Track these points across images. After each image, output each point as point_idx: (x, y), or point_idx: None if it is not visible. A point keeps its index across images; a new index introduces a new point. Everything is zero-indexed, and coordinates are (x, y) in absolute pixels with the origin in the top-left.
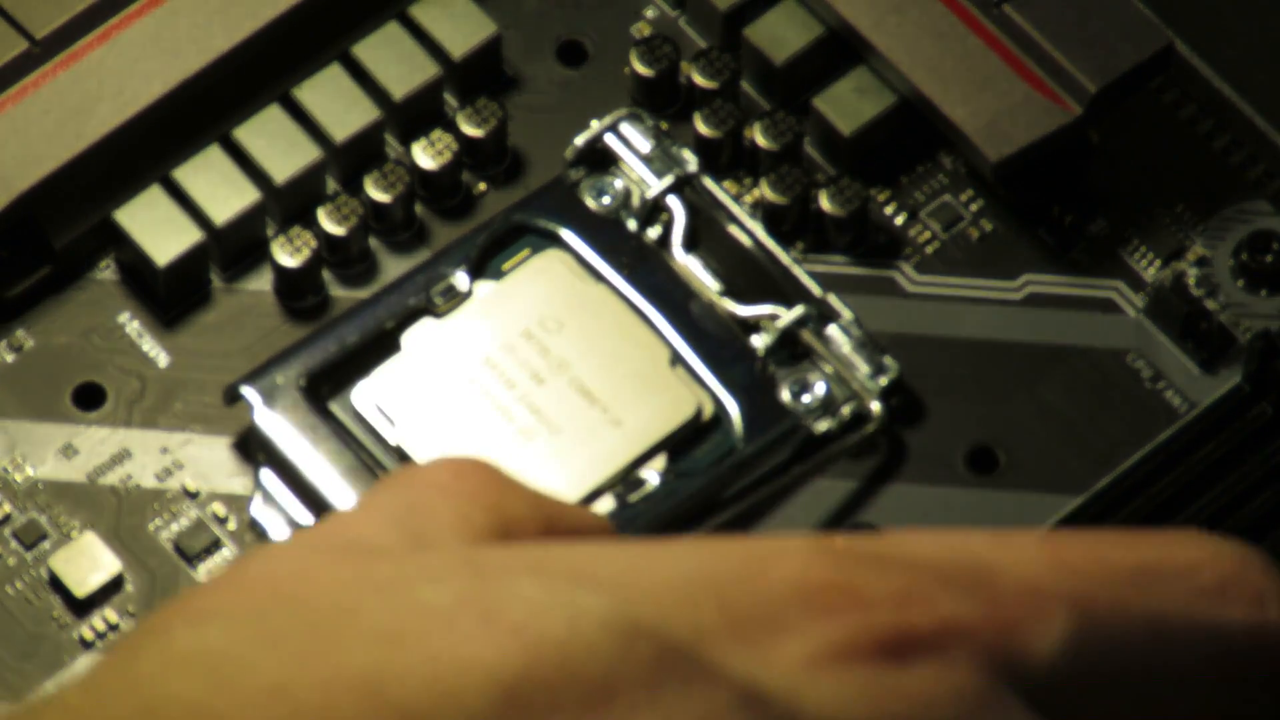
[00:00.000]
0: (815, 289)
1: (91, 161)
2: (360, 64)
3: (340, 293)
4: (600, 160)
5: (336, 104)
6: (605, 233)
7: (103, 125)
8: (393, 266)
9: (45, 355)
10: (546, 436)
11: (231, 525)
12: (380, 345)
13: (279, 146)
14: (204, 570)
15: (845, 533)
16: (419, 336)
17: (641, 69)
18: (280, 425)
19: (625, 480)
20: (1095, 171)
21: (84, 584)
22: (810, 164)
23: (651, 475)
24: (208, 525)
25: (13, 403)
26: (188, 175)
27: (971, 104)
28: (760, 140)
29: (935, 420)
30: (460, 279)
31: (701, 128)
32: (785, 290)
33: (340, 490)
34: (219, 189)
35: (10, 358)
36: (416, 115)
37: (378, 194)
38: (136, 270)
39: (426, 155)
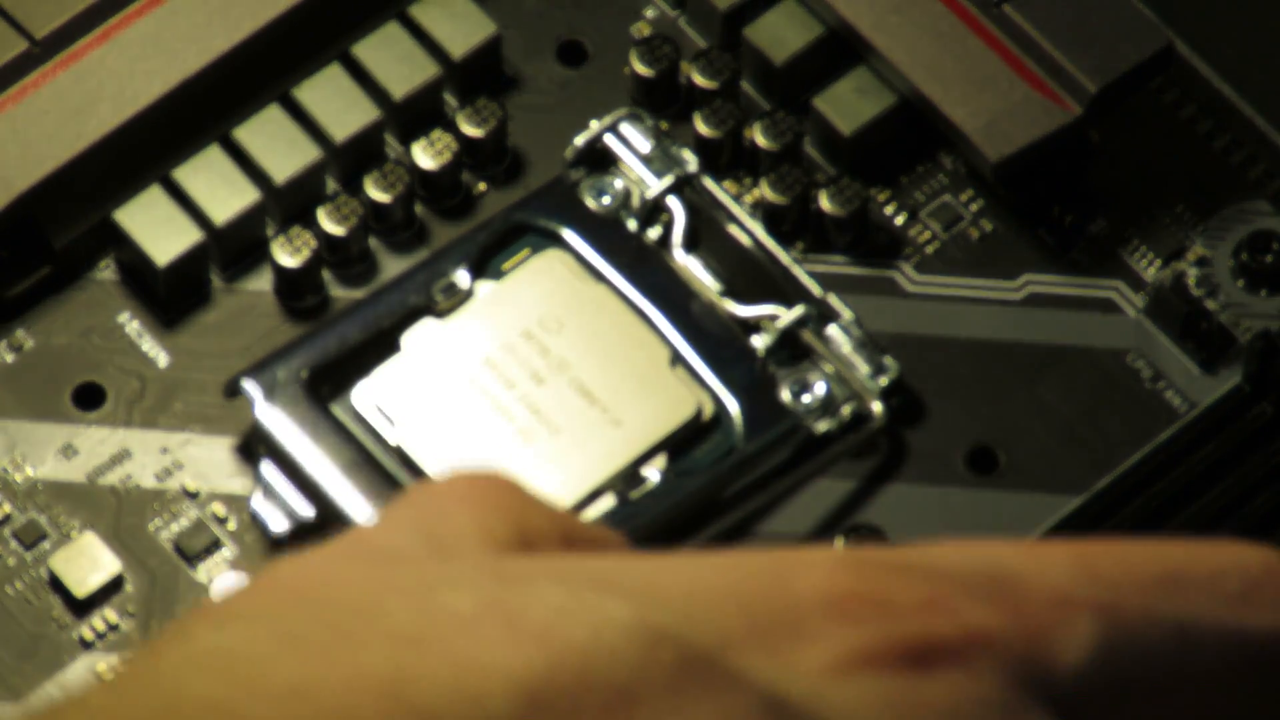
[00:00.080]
0: (815, 289)
1: (91, 161)
2: (360, 64)
3: (340, 293)
4: (600, 160)
5: (336, 104)
6: (605, 233)
7: (103, 125)
8: (393, 266)
9: (45, 355)
10: (546, 436)
11: (231, 525)
12: (380, 345)
13: (279, 146)
14: (204, 570)
15: (847, 534)
16: (419, 337)
17: (641, 69)
18: (280, 419)
19: (626, 479)
20: (1095, 171)
21: (84, 584)
22: (810, 164)
23: (652, 475)
24: (208, 525)
25: (13, 403)
26: (188, 175)
27: (971, 104)
28: (760, 140)
29: (935, 420)
30: (461, 277)
31: (701, 128)
32: (785, 290)
33: (340, 484)
34: (219, 189)
35: (10, 358)
36: (416, 115)
37: (378, 194)
38: (136, 270)
39: (426, 155)
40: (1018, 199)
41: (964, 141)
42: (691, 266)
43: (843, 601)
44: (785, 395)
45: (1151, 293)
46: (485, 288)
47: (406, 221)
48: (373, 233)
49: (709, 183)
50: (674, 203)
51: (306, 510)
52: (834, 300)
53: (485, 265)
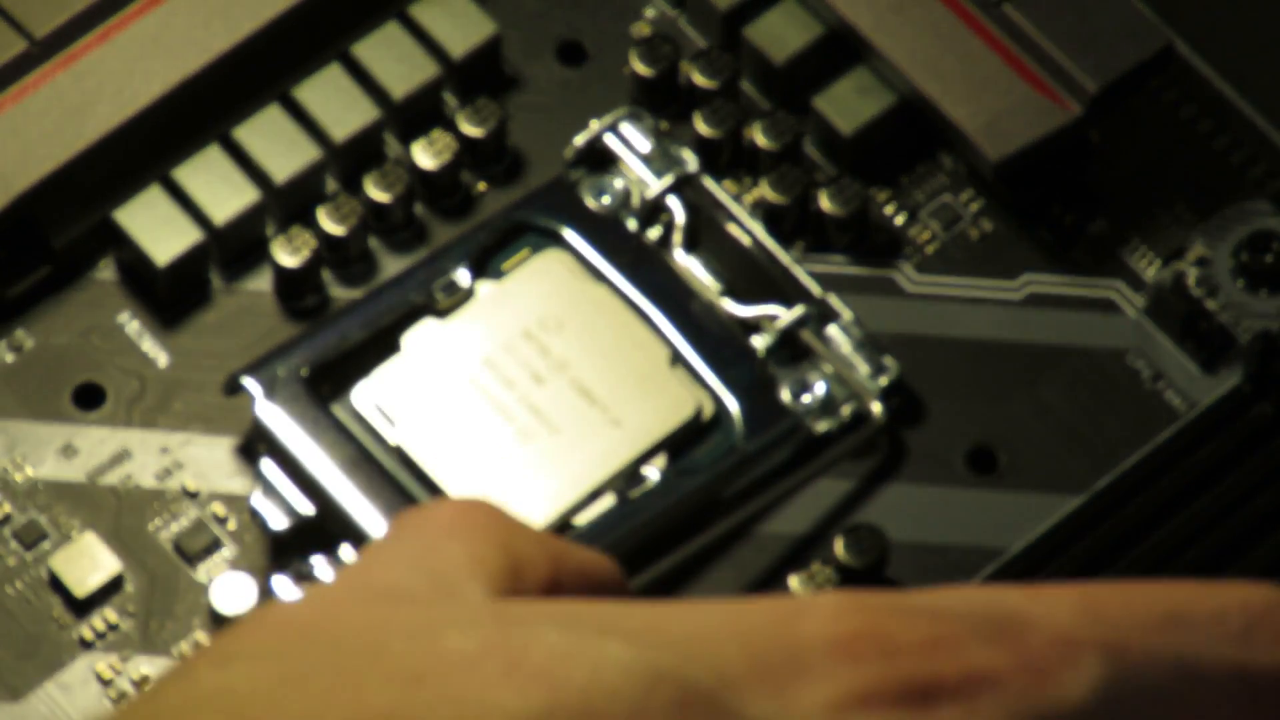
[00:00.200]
0: (815, 289)
1: (91, 161)
2: (360, 64)
3: (340, 292)
4: (600, 160)
5: (336, 104)
6: (605, 233)
7: (102, 125)
8: (393, 266)
9: (45, 355)
10: (546, 436)
11: (232, 525)
12: (380, 345)
13: (279, 146)
14: (204, 570)
15: (847, 534)
16: (419, 337)
17: (641, 69)
18: (280, 416)
19: (626, 479)
20: (1095, 171)
21: (84, 584)
22: (810, 164)
23: (652, 475)
24: (208, 525)
25: (13, 403)
26: (188, 175)
27: (971, 104)
28: (760, 140)
29: (935, 420)
30: (462, 275)
31: (701, 128)
32: (785, 290)
33: (340, 482)
34: (219, 189)
35: (10, 358)
36: (416, 115)
37: (378, 194)
38: (136, 270)
39: (426, 155)
40: (1018, 199)
41: (964, 141)
42: (691, 266)
43: (846, 641)
44: (785, 395)
45: (1151, 293)
46: (485, 287)
47: (406, 221)
48: (373, 232)
49: (709, 183)
50: (674, 202)
51: (306, 508)
52: (834, 300)
53: (485, 265)
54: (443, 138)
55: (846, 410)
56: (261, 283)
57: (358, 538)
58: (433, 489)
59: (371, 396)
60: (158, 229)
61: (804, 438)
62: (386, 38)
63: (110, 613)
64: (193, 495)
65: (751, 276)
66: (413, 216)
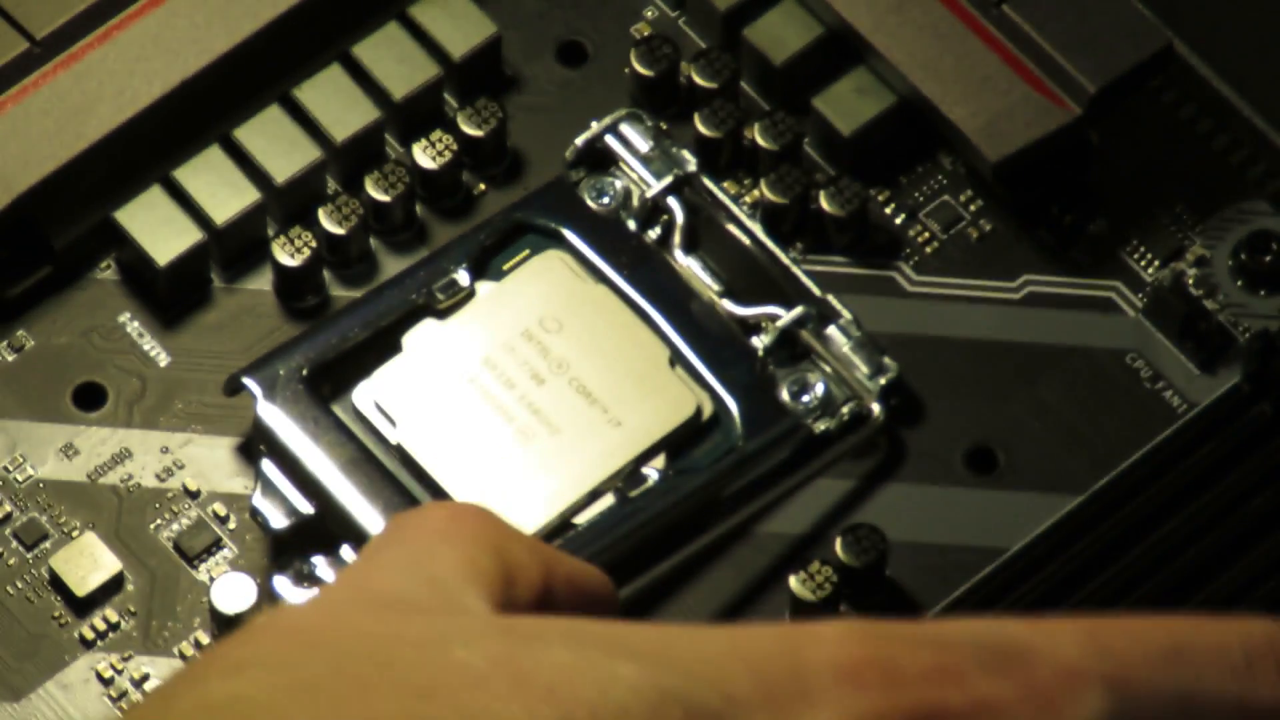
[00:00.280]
0: (815, 289)
1: (92, 162)
2: (360, 64)
3: (340, 293)
4: (600, 160)
5: (336, 104)
6: (605, 233)
7: (103, 125)
8: (393, 266)
9: (46, 355)
10: (546, 436)
11: (232, 524)
12: (381, 344)
13: (279, 147)
14: (204, 569)
15: (847, 533)
16: (420, 337)
17: (641, 69)
18: (281, 416)
19: (626, 479)
20: (1095, 171)
21: (84, 583)
22: (810, 164)
23: (652, 474)
24: (208, 525)
25: (13, 403)
26: (188, 175)
27: (971, 104)
28: (760, 140)
29: (935, 420)
30: (462, 275)
31: (701, 128)
32: (785, 290)
33: (340, 481)
34: (219, 189)
35: (11, 358)
36: (416, 115)
37: (378, 194)
38: (137, 270)
39: (426, 155)
40: (1017, 199)
41: (963, 141)
42: (691, 266)
43: (852, 668)
44: (785, 395)
45: (1151, 293)
46: (485, 287)
47: (407, 221)
48: (373, 233)
49: (709, 183)
50: (674, 203)
51: (306, 507)
52: (833, 300)
53: (485, 265)
54: (443, 138)
55: (846, 410)
56: (262, 283)
57: (358, 537)
58: (433, 489)
59: (372, 396)
60: (158, 229)
61: (803, 438)
62: (387, 38)
63: (111, 612)
64: (193, 495)
65: (751, 276)
66: (413, 217)
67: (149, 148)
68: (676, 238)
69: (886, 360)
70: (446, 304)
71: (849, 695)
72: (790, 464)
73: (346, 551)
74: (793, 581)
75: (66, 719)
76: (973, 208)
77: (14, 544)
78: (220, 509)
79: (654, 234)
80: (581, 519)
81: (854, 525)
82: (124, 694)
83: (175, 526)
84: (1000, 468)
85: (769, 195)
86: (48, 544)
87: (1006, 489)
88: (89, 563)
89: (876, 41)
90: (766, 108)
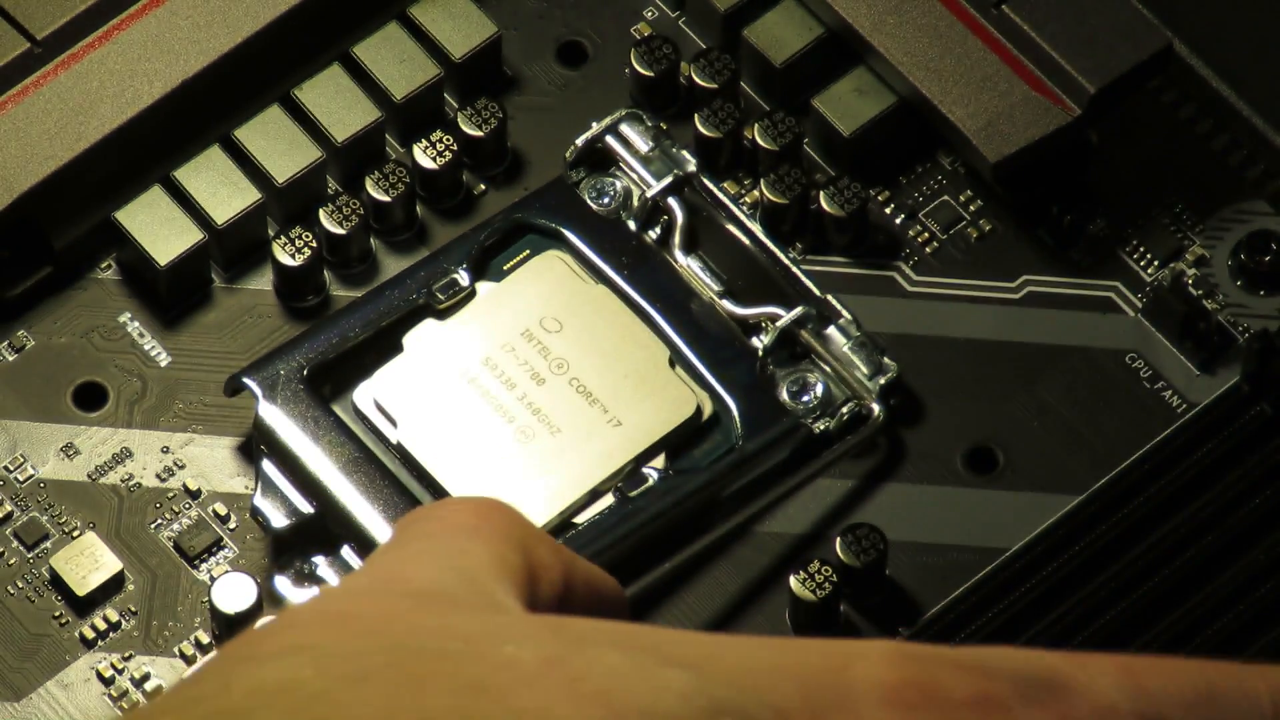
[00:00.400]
0: (815, 289)
1: (92, 162)
2: (361, 64)
3: (341, 293)
4: (600, 160)
5: (337, 104)
6: (605, 233)
7: (104, 125)
8: (393, 266)
9: (46, 355)
10: (546, 436)
11: (232, 524)
12: (381, 344)
13: (280, 147)
14: (205, 569)
15: (846, 533)
16: (420, 337)
17: (641, 69)
18: (281, 416)
19: (626, 479)
20: (1094, 171)
21: (85, 583)
22: (810, 164)
23: (652, 474)
24: (209, 524)
25: (14, 403)
26: (189, 175)
27: (970, 104)
28: (760, 140)
29: (934, 420)
30: (462, 275)
31: (701, 128)
32: (785, 290)
33: (340, 481)
34: (220, 189)
35: (11, 358)
36: (417, 116)
37: (378, 194)
38: (137, 270)
39: (427, 156)
40: (1016, 199)
41: (963, 142)
42: (691, 266)
43: (898, 689)
44: (784, 395)
45: (1150, 293)
46: (486, 287)
47: (407, 222)
48: (373, 233)
49: (709, 183)
50: (674, 203)
51: (307, 507)
52: (833, 300)
53: (485, 265)
54: (443, 138)
55: (846, 410)
56: (262, 282)
57: (358, 537)
58: (433, 488)
59: (372, 396)
60: (159, 229)
61: (803, 437)
62: (387, 39)
63: (111, 612)
64: (194, 495)
65: (751, 276)
66: (413, 217)
67: (150, 148)
68: (676, 238)
69: (886, 360)
70: (447, 304)
71: (895, 715)
72: (790, 464)
73: (347, 551)
74: (793, 581)
75: (67, 718)
76: (972, 208)
77: (14, 544)
78: (221, 509)
79: (654, 234)
80: (582, 519)
81: (854, 525)
82: (124, 694)
83: (176, 526)
84: (1000, 468)
85: (769, 195)
86: (48, 544)
87: (1006, 489)
88: (89, 562)
89: (876, 41)
90: (766, 108)
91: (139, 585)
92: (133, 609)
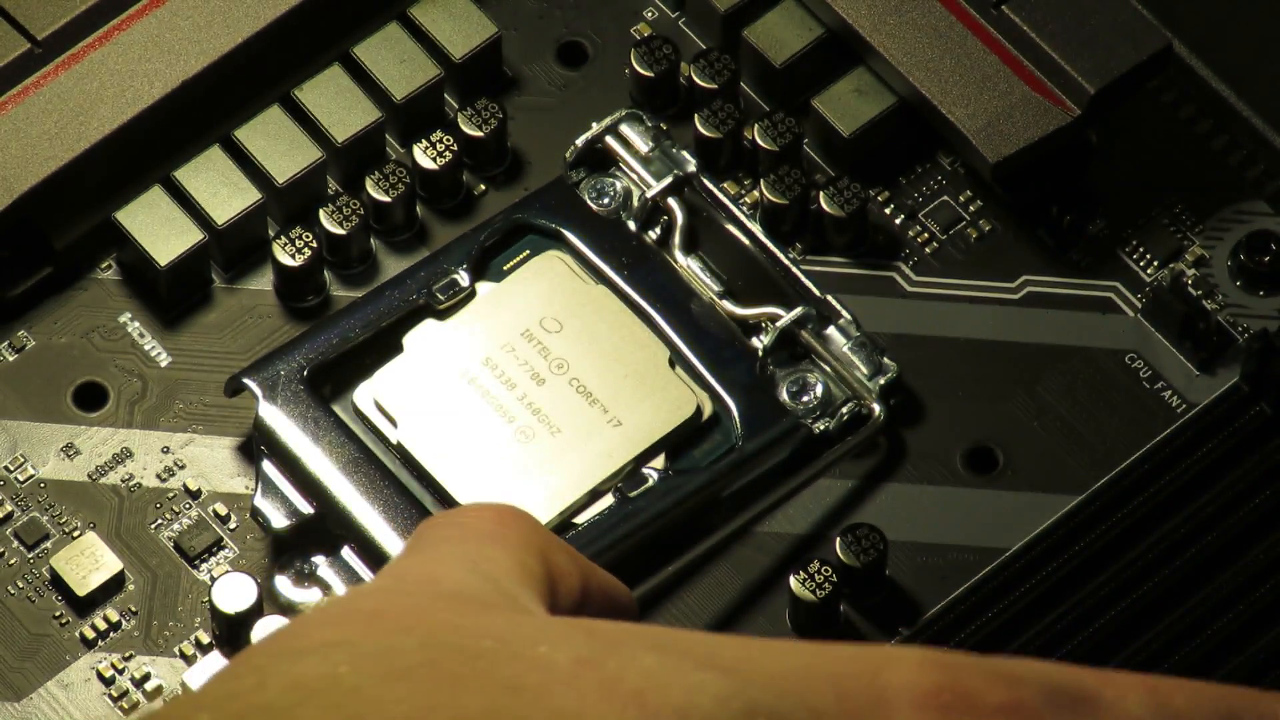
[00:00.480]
0: (815, 289)
1: (93, 162)
2: (361, 65)
3: (341, 293)
4: (600, 160)
5: (337, 105)
6: (605, 233)
7: (104, 126)
8: (393, 267)
9: (47, 355)
10: (546, 436)
11: (233, 524)
12: (381, 344)
13: (280, 147)
14: (205, 569)
15: (846, 533)
16: (420, 337)
17: (641, 70)
18: (282, 417)
19: (626, 479)
20: (1094, 172)
21: (85, 583)
22: (810, 165)
23: (652, 474)
24: (209, 524)
25: (14, 403)
26: (189, 176)
27: (970, 105)
28: (760, 141)
29: (934, 420)
30: (462, 275)
31: (701, 128)
32: (785, 291)
33: (341, 481)
34: (220, 190)
35: (11, 358)
36: (417, 116)
37: (378, 194)
38: (138, 270)
39: (427, 156)
40: (1016, 199)
41: (963, 142)
42: (691, 267)
43: (934, 693)
44: (784, 395)
45: (1150, 293)
46: (486, 287)
47: (407, 222)
48: (373, 233)
49: (708, 183)
50: (674, 203)
51: (307, 507)
52: (833, 300)
53: (486, 265)
54: (443, 139)
55: (846, 410)
56: (263, 283)
57: (359, 538)
58: (433, 488)
59: (373, 396)
60: (159, 229)
61: (803, 438)
62: (387, 39)
63: (111, 612)
64: (194, 495)
65: (751, 277)
66: (414, 217)
67: (150, 148)
68: (676, 238)
69: (886, 360)
70: (447, 304)
71: (929, 719)
72: (790, 464)
73: (347, 552)
74: (793, 582)
75: (68, 718)
76: (972, 208)
77: (15, 544)
78: (221, 509)
79: (654, 234)
80: (582, 519)
81: (854, 525)
82: (124, 694)
83: (176, 526)
84: (1000, 468)
85: (769, 196)
86: (49, 544)
87: (1006, 489)
88: (90, 562)
89: (876, 42)
90: (766, 108)
91: (139, 585)
92: (133, 609)
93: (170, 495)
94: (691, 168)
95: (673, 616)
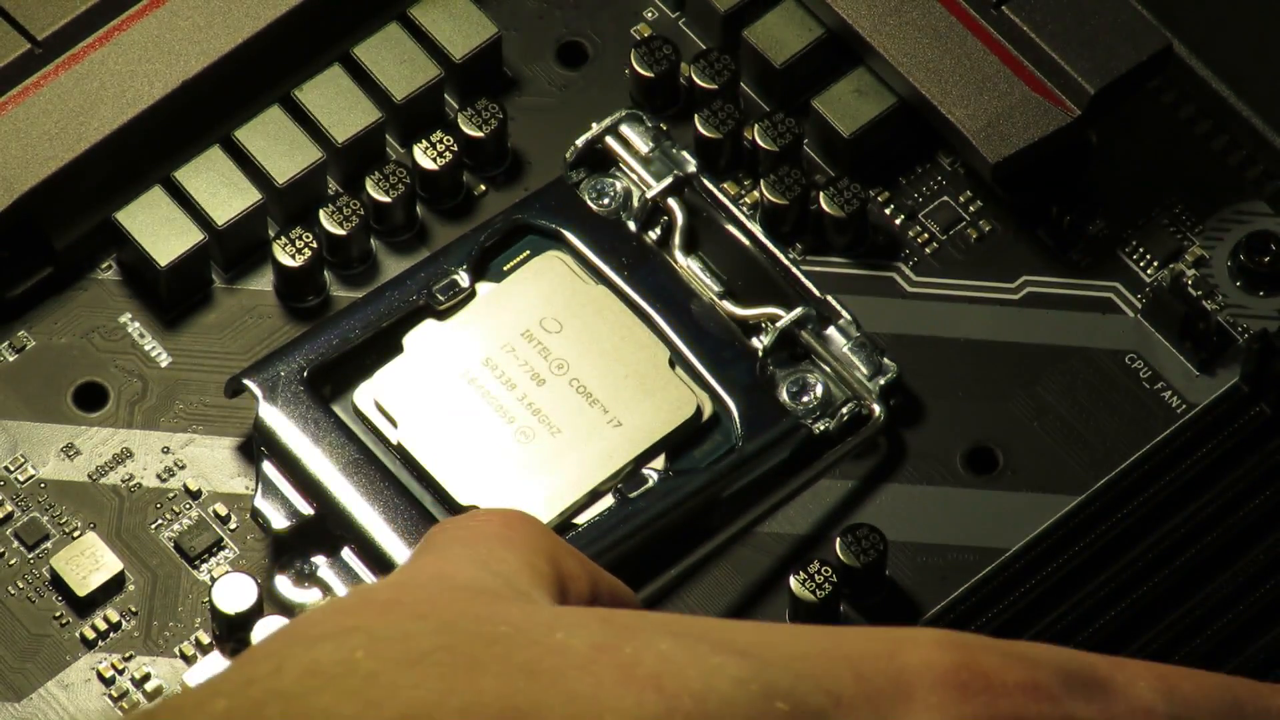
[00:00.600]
0: (815, 290)
1: (93, 162)
2: (361, 65)
3: (341, 293)
4: (600, 161)
5: (337, 105)
6: (605, 233)
7: (104, 126)
8: (393, 267)
9: (47, 355)
10: (547, 437)
11: (233, 525)
12: (381, 345)
13: (280, 148)
14: (205, 569)
15: (846, 533)
16: (420, 337)
17: (641, 70)
18: (282, 418)
19: (626, 479)
20: (1094, 172)
21: (85, 583)
22: (810, 165)
23: (652, 475)
24: (209, 525)
25: (15, 403)
26: (189, 176)
27: (970, 105)
28: (760, 141)
29: (934, 420)
30: (462, 276)
31: (701, 129)
32: (785, 291)
33: (341, 482)
34: (220, 190)
35: (12, 358)
36: (417, 116)
37: (379, 195)
38: (138, 271)
39: (427, 156)
40: (1016, 200)
41: (963, 142)
42: (691, 267)
43: (952, 673)
44: (784, 396)
45: (1150, 293)
46: (486, 288)
47: (408, 222)
48: (374, 233)
49: (708, 184)
50: (674, 203)
51: (307, 508)
52: (833, 301)
53: (486, 265)
54: (443, 139)
55: (846, 411)
56: (263, 283)
57: (359, 538)
58: (433, 489)
59: (373, 396)
60: (159, 230)
61: (803, 438)
62: (387, 39)
63: (112, 612)
64: (194, 495)
65: (751, 277)
66: (414, 217)
67: (150, 149)
68: (676, 238)
69: (886, 361)
70: (447, 304)
71: (948, 700)
72: (790, 464)
73: (347, 553)
74: (793, 582)
75: (68, 719)
76: (972, 208)
77: (15, 544)
78: (221, 509)
79: (654, 235)
80: (582, 519)
81: (854, 525)
82: (125, 694)
83: (176, 527)
84: (1000, 468)
85: (769, 196)
86: (49, 544)
87: (1006, 489)
88: (90, 563)
89: (876, 42)
90: (766, 109)
91: (139, 586)
92: (133, 609)
93: (170, 495)
94: (691, 168)
95: None
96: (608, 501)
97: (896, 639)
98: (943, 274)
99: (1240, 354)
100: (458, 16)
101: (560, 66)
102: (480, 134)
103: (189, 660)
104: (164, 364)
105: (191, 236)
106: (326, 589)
